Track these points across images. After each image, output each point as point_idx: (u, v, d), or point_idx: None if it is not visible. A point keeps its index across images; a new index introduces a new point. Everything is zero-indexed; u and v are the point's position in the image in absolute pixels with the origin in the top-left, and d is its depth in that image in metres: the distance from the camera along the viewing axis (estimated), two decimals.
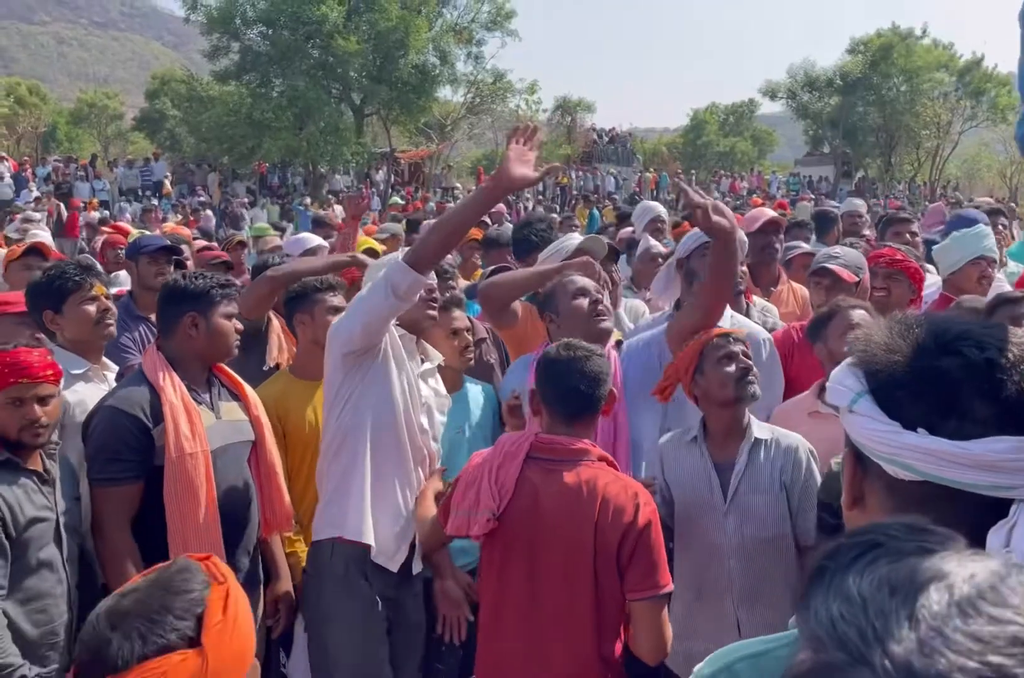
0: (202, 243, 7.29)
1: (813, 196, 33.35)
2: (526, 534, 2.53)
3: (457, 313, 3.71)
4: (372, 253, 5.37)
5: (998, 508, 1.02)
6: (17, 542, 2.56)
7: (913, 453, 1.03)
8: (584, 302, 3.26)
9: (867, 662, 0.58)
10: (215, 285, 3.10)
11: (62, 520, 2.72)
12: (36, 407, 2.68)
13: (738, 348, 2.95)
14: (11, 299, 3.64)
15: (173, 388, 2.96)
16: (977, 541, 0.97)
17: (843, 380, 1.12)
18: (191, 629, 1.34)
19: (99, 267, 3.67)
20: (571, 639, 2.51)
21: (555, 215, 11.14)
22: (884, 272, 4.16)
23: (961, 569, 0.62)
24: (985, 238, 4.64)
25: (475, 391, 3.75)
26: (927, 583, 0.61)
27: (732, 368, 2.91)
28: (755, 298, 4.43)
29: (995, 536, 1.00)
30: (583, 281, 3.33)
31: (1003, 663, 0.55)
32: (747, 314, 4.10)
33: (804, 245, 5.72)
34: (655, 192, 35.83)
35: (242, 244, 7.33)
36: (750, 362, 2.95)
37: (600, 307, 3.26)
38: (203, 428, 2.93)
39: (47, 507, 2.68)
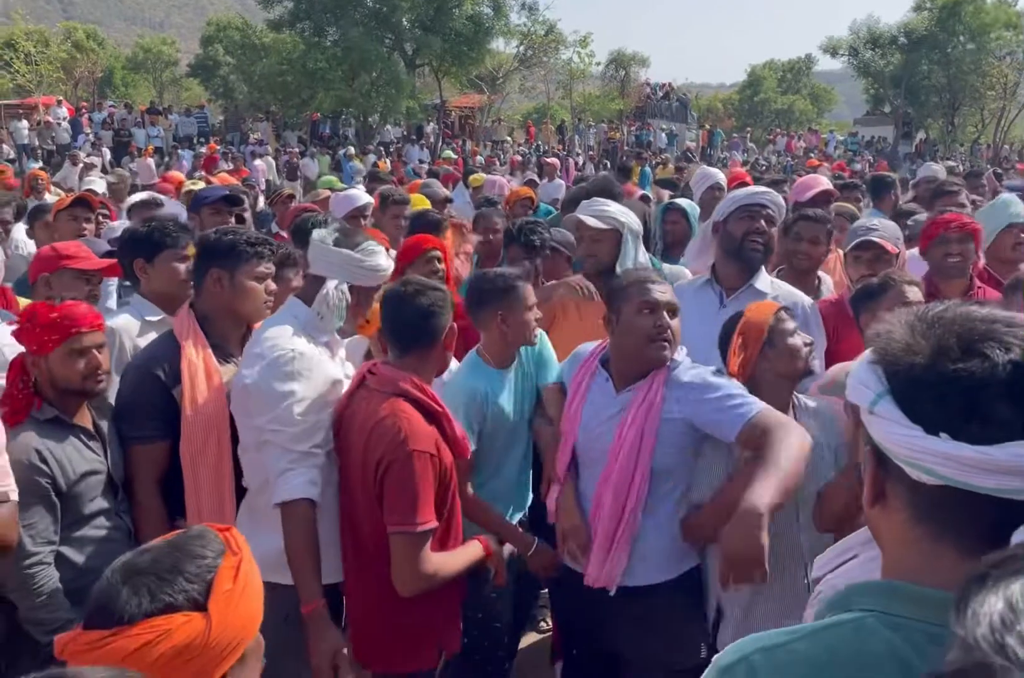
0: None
1: (872, 158, 32.65)
2: (342, 455, 2.78)
3: (529, 289, 3.32)
4: (431, 226, 5.11)
5: (1021, 509, 1.01)
6: (69, 496, 2.64)
7: (935, 458, 1.02)
8: (648, 322, 2.86)
9: None
10: (243, 242, 3.01)
11: (114, 473, 2.80)
12: (96, 354, 2.74)
13: (795, 324, 2.95)
14: (74, 253, 3.69)
15: (196, 348, 2.94)
16: (999, 542, 0.98)
17: (864, 379, 1.10)
18: (199, 593, 1.36)
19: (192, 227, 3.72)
20: (351, 550, 2.75)
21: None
22: (957, 237, 4.06)
23: None
24: (1011, 205, 4.54)
25: (528, 372, 3.39)
26: None
27: (798, 341, 2.90)
28: (821, 273, 4.39)
29: (1020, 535, 0.99)
30: (660, 293, 2.89)
31: None
32: (818, 292, 4.12)
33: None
34: (707, 150, 35.28)
35: (291, 197, 7.36)
36: (809, 337, 2.96)
37: (665, 334, 2.86)
38: (223, 388, 2.89)
39: (98, 461, 2.76)
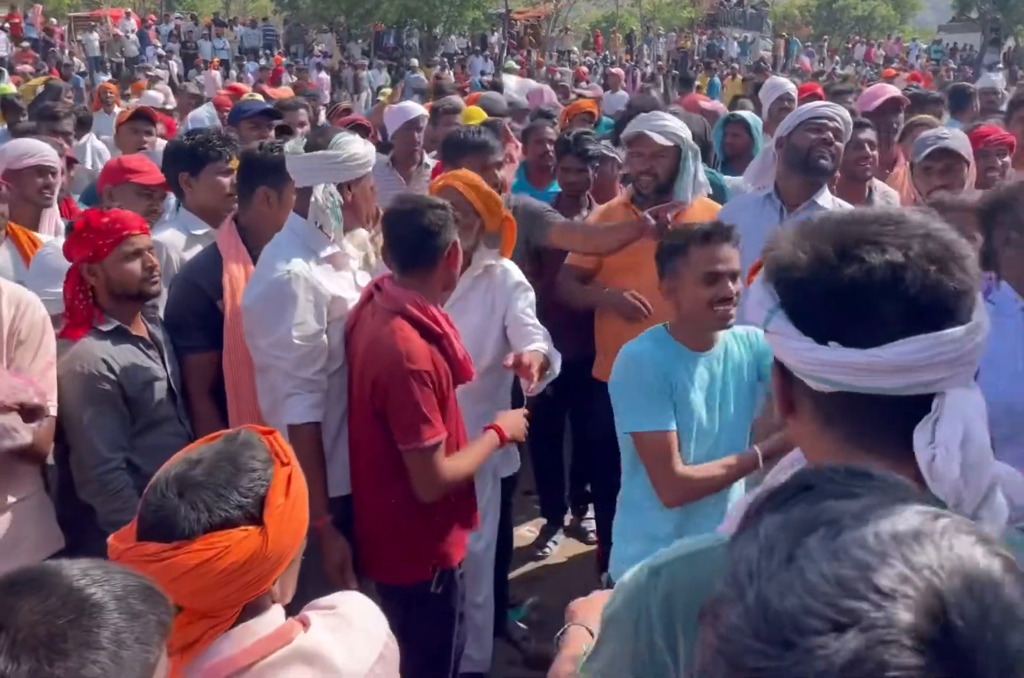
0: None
1: (955, 66, 31.25)
2: (349, 369, 2.81)
3: (725, 250, 2.64)
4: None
5: (923, 405, 1.03)
6: (136, 403, 2.73)
7: (829, 367, 1.04)
8: None
9: (742, 598, 0.59)
10: None
11: (172, 380, 2.88)
12: (149, 255, 2.80)
13: None
14: (137, 167, 3.71)
15: (237, 262, 3.00)
16: (906, 440, 1.01)
17: (759, 298, 1.11)
18: (253, 507, 1.41)
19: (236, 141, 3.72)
20: (359, 464, 2.78)
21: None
22: (996, 150, 4.04)
23: (865, 514, 0.61)
24: None
25: (733, 347, 2.73)
26: (818, 525, 0.61)
27: None
28: (875, 182, 4.29)
29: (920, 434, 1.01)
30: None
31: (856, 608, 0.54)
32: (868, 200, 3.99)
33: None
34: (784, 60, 34.04)
35: (348, 110, 7.31)
36: None
37: None
38: None
39: (158, 369, 2.83)
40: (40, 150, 3.87)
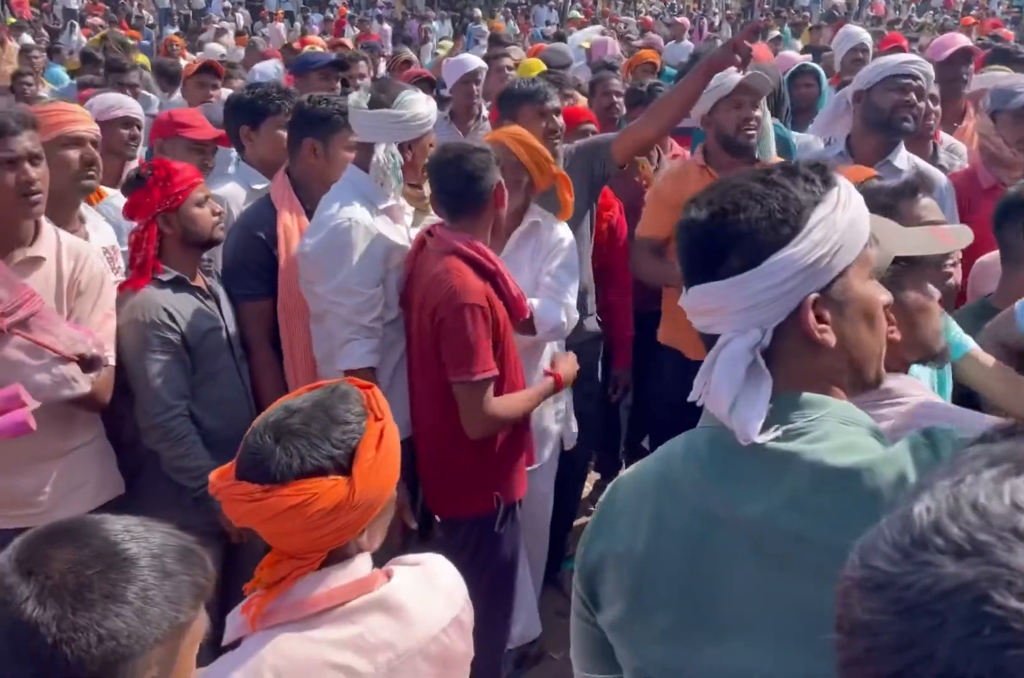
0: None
1: None
2: (407, 313, 2.88)
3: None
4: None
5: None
6: (196, 352, 2.77)
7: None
8: None
9: (901, 505, 0.61)
10: (336, 111, 3.01)
11: (230, 330, 2.92)
12: (214, 202, 2.87)
13: None
14: (188, 121, 3.72)
15: (291, 213, 3.03)
16: None
17: None
18: (344, 458, 1.46)
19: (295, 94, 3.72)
20: (417, 404, 2.88)
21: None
22: None
23: None
24: None
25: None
26: (1008, 461, 0.60)
27: None
28: (943, 135, 4.14)
29: (699, 379, 1.18)
30: None
31: (986, 541, 0.54)
32: (933, 157, 3.84)
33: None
34: (858, 8, 32.89)
35: (408, 63, 7.26)
36: None
37: None
38: None
39: (217, 318, 2.88)
40: (126, 102, 3.93)
